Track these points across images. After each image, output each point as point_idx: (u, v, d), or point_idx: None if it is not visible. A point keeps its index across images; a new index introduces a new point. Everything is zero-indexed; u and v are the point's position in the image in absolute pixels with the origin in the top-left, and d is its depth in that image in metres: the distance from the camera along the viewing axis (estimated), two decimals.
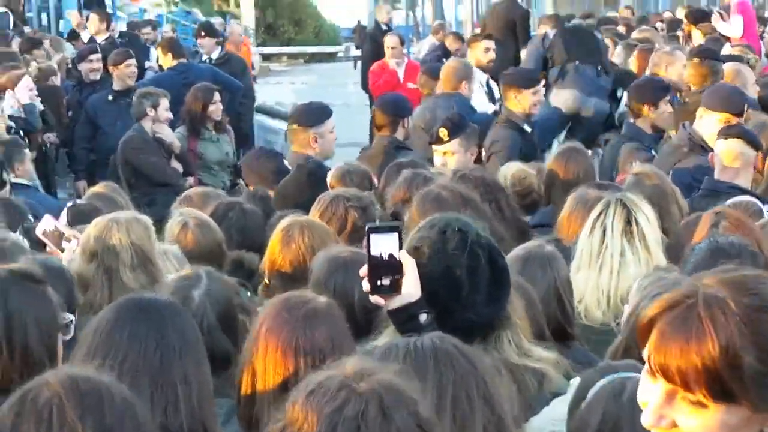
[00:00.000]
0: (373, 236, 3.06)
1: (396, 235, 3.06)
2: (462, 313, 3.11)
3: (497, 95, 9.83)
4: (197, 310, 3.56)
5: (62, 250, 4.73)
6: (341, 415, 2.06)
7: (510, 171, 6.28)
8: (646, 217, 4.33)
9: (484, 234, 3.24)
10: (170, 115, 9.50)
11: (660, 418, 2.00)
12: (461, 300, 3.12)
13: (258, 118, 13.33)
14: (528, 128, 7.98)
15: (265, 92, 15.54)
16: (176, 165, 9.50)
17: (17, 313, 3.10)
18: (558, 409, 3.01)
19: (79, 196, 9.98)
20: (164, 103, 9.40)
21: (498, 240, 3.45)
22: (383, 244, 3.05)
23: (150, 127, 9.35)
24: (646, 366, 2.02)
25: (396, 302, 3.06)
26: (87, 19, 14.48)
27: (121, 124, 10.10)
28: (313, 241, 4.35)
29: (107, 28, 14.24)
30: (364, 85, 16.36)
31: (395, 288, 3.05)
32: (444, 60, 14.31)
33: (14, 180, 7.56)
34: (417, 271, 3.06)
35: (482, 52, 10.51)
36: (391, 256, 3.04)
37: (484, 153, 7.64)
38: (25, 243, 4.65)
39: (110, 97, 10.87)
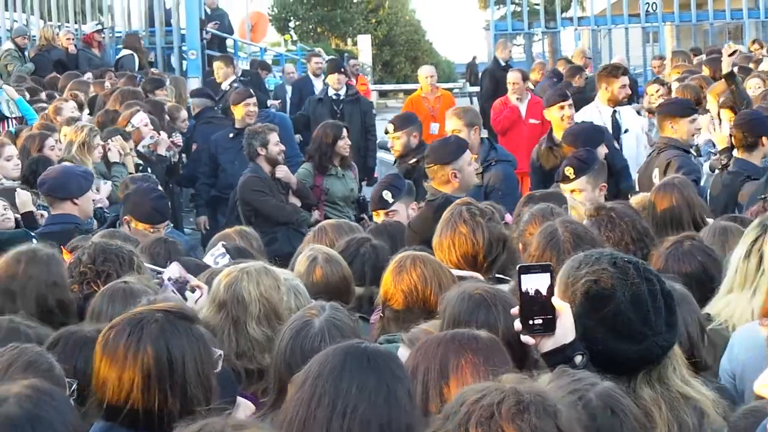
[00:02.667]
0: (524, 276, 3.01)
1: (548, 275, 3.02)
2: (653, 339, 3.05)
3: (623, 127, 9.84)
4: (315, 336, 3.58)
5: (185, 299, 4.60)
6: None
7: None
8: None
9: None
10: (282, 148, 9.55)
11: None
12: (651, 326, 3.06)
13: (378, 154, 13.37)
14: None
15: (382, 128, 15.63)
16: (294, 200, 9.56)
17: (178, 354, 3.13)
18: None
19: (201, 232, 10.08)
20: (273, 138, 9.44)
21: None
22: (534, 284, 3.00)
23: (266, 166, 9.43)
24: None
25: (550, 344, 3.00)
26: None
27: (240, 162, 10.24)
28: (425, 272, 4.34)
29: (233, 71, 14.41)
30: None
31: (547, 327, 2.99)
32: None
33: None
34: (571, 314, 3.01)
35: (620, 88, 10.16)
36: (542, 295, 3.00)
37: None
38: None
39: (231, 135, 11.03)
